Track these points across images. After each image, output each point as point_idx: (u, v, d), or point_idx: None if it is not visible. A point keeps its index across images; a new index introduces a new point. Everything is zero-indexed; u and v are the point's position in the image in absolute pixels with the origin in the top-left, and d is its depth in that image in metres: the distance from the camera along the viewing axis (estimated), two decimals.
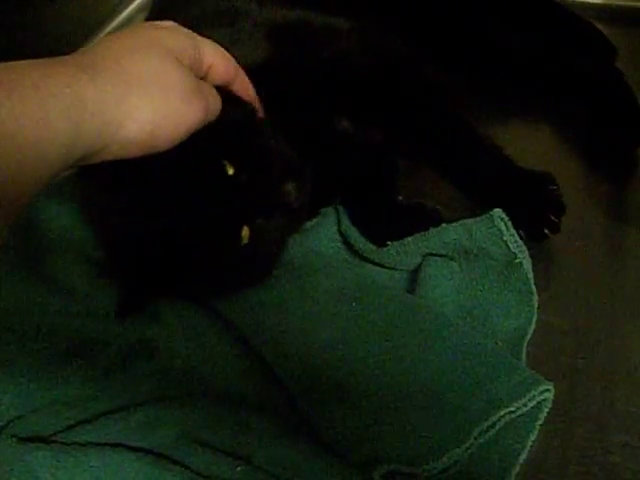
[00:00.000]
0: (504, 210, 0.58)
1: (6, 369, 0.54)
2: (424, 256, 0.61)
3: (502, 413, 0.48)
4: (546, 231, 0.61)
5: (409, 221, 0.64)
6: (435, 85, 0.69)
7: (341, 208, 0.68)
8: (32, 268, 0.62)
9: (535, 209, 0.62)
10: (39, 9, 0.89)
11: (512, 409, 0.49)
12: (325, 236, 0.65)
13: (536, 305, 0.57)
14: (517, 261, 0.57)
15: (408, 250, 0.60)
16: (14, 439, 0.50)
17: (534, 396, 0.49)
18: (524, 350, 0.56)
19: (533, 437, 0.49)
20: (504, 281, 0.58)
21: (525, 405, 0.49)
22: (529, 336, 0.56)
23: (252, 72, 0.57)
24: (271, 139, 0.56)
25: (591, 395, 0.54)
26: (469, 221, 0.58)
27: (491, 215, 0.58)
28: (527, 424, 0.50)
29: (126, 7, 1.03)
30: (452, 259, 0.60)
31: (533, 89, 0.79)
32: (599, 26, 0.82)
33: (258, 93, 0.58)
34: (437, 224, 0.60)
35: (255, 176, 0.53)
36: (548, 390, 0.50)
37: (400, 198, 0.68)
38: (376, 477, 0.47)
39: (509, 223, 0.57)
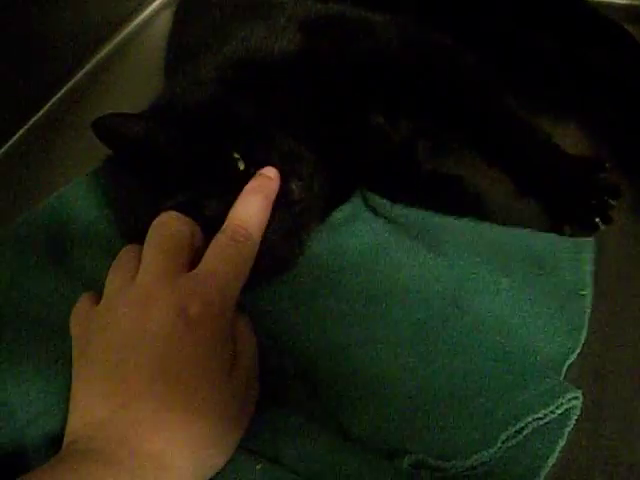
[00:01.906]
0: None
1: (33, 362, 0.54)
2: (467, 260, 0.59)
3: (529, 419, 0.49)
4: (597, 220, 0.61)
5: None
6: (476, 74, 0.68)
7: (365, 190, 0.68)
8: (57, 261, 0.62)
9: (588, 196, 0.62)
10: (59, 4, 0.89)
11: (540, 416, 0.49)
12: (354, 233, 0.63)
13: (583, 340, 0.56)
14: (583, 293, 0.56)
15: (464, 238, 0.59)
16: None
17: (562, 403, 0.50)
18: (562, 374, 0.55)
19: (562, 443, 0.49)
20: (559, 309, 0.56)
21: (553, 412, 0.49)
22: (568, 362, 0.55)
23: (286, 66, 0.58)
24: (278, 136, 0.57)
25: (619, 396, 0.54)
26: (556, 236, 0.58)
27: (584, 242, 0.58)
28: (555, 431, 0.50)
29: (150, 3, 1.03)
30: (506, 274, 0.58)
31: (560, 90, 0.78)
32: (627, 27, 0.81)
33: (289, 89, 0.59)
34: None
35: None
36: (576, 398, 0.50)
37: None
38: (404, 466, 0.47)
39: (593, 256, 0.57)
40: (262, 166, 0.55)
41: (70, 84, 0.92)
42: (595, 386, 0.55)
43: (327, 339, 0.55)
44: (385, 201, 0.64)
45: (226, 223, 0.52)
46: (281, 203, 0.55)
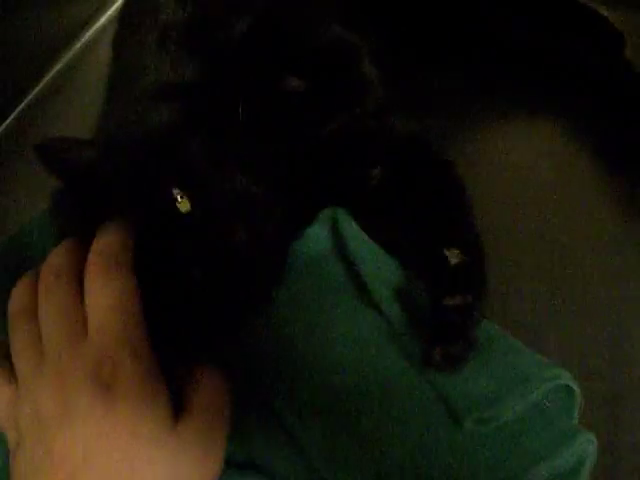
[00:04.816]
0: None
1: None
2: None
3: (540, 468, 0.46)
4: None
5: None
6: None
7: (341, 214, 0.58)
8: None
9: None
10: None
11: (551, 462, 0.46)
12: (333, 267, 0.58)
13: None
14: None
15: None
16: None
17: (574, 447, 0.46)
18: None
19: None
20: None
21: (566, 460, 0.46)
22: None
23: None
24: (230, 173, 0.52)
25: (636, 421, 0.52)
26: None
27: None
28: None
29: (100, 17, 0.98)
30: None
31: (540, 82, 0.74)
32: (602, 12, 0.78)
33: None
34: None
35: (206, 216, 0.50)
36: (591, 441, 0.47)
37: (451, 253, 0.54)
38: None
39: None
40: (210, 208, 0.50)
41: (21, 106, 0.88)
42: (609, 412, 0.53)
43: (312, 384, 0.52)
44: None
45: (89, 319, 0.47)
46: (222, 250, 0.50)
